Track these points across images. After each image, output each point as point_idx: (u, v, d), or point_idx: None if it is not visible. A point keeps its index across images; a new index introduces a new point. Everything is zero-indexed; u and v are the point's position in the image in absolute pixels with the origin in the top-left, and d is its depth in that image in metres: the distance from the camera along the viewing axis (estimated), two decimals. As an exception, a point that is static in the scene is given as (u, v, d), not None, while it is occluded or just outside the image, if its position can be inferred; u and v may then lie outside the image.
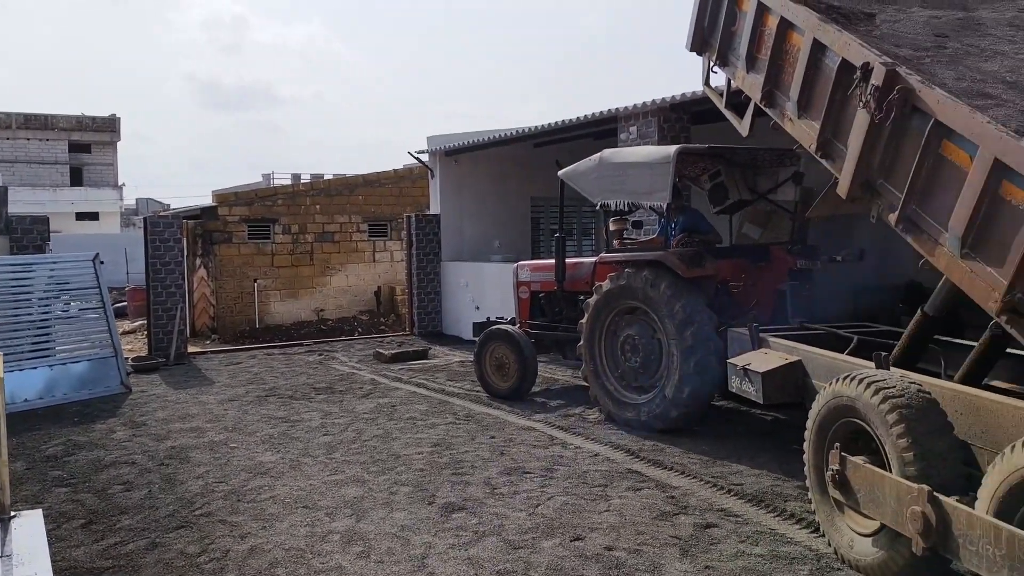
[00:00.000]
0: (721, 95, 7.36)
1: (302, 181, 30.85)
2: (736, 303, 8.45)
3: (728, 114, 7.22)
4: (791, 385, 6.19)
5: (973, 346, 5.27)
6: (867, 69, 4.74)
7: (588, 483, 6.69)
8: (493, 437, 8.27)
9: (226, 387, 11.69)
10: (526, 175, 17.17)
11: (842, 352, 6.25)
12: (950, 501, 4.03)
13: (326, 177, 30.53)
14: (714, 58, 6.96)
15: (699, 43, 7.20)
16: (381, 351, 13.95)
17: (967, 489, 4.12)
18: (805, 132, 5.59)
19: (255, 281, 18.85)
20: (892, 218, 4.68)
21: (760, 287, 8.50)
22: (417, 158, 17.24)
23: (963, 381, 5.12)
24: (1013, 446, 3.73)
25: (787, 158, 8.66)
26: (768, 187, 9.09)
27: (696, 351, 7.66)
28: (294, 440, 8.39)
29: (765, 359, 6.40)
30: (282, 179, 40.46)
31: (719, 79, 7.35)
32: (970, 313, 4.99)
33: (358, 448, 7.98)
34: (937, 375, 5.53)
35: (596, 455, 7.52)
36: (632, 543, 5.40)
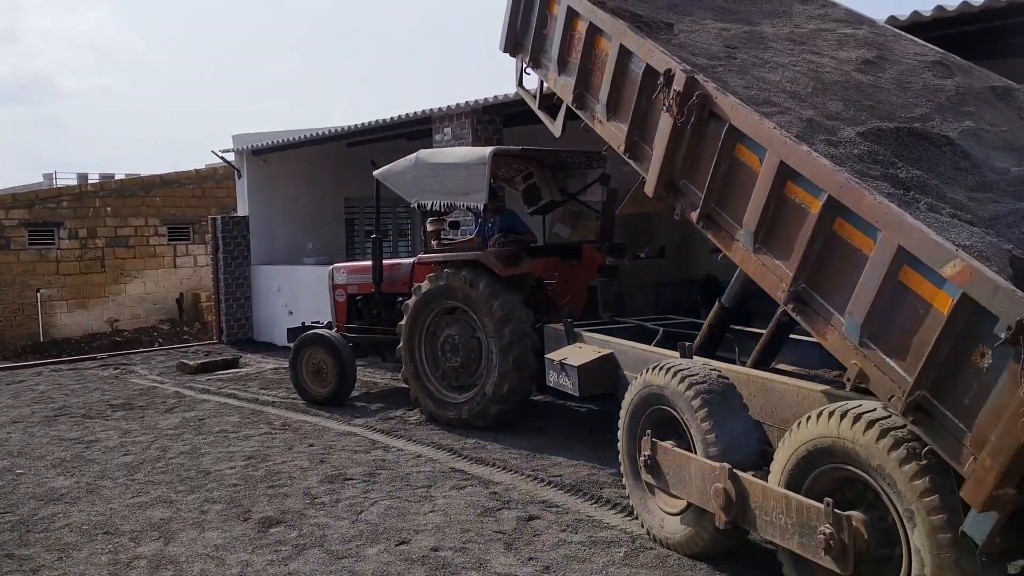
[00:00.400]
0: (535, 97, 7.54)
1: (90, 181, 28.47)
2: (551, 300, 8.72)
3: (542, 115, 7.41)
4: (604, 377, 6.46)
5: (761, 333, 5.73)
6: (669, 75, 5.01)
7: (412, 485, 6.65)
8: (312, 445, 8.02)
9: (7, 408, 10.58)
10: (339, 175, 16.82)
11: (650, 344, 6.61)
12: (747, 476, 4.36)
13: (118, 177, 28.36)
14: (527, 60, 7.11)
15: (512, 45, 7.33)
16: (186, 362, 13.15)
17: (762, 465, 4.47)
18: (614, 134, 5.83)
19: (38, 291, 17.21)
20: (694, 216, 4.98)
21: (573, 284, 8.82)
22: (222, 157, 16.43)
23: (754, 365, 5.55)
24: (799, 422, 4.09)
25: (595, 160, 9.04)
26: (578, 188, 9.45)
27: (514, 348, 7.82)
28: (90, 462, 7.72)
29: (580, 353, 6.64)
30: (67, 179, 37.11)
31: (533, 81, 7.53)
32: (756, 303, 5.44)
33: (163, 467, 7.47)
34: (732, 361, 5.96)
35: (419, 456, 7.49)
36: (458, 541, 5.42)
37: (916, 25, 7.58)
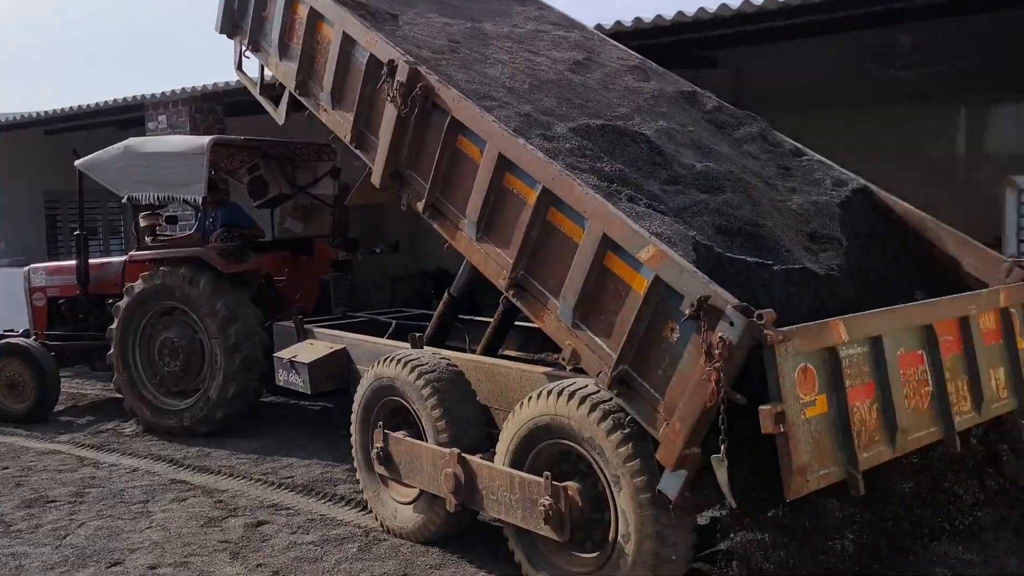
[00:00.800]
0: (255, 82, 7.19)
1: None
2: (281, 297, 8.42)
3: (263, 102, 7.08)
4: (337, 373, 6.34)
5: (489, 321, 5.94)
6: (393, 66, 5.00)
7: (126, 502, 6.10)
8: (6, 468, 7.09)
9: None
10: (36, 166, 15.00)
11: (382, 337, 6.60)
12: (475, 459, 4.49)
13: None
14: (246, 43, 6.77)
15: (229, 25, 6.92)
16: None
17: (489, 447, 4.63)
18: (340, 123, 5.71)
19: None
20: (419, 206, 5.01)
21: (304, 280, 8.58)
22: None
23: (483, 352, 5.74)
24: (520, 403, 4.28)
25: (324, 153, 8.86)
26: (307, 181, 9.21)
27: (241, 348, 7.45)
28: None
29: (311, 350, 6.46)
30: None
31: (255, 65, 7.17)
32: (485, 293, 5.63)
33: None
34: (463, 350, 6.11)
35: (135, 470, 6.89)
36: (179, 556, 5.05)
37: (618, 33, 8.26)
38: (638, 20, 8.82)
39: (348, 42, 5.51)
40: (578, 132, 4.70)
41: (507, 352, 6.26)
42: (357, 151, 5.60)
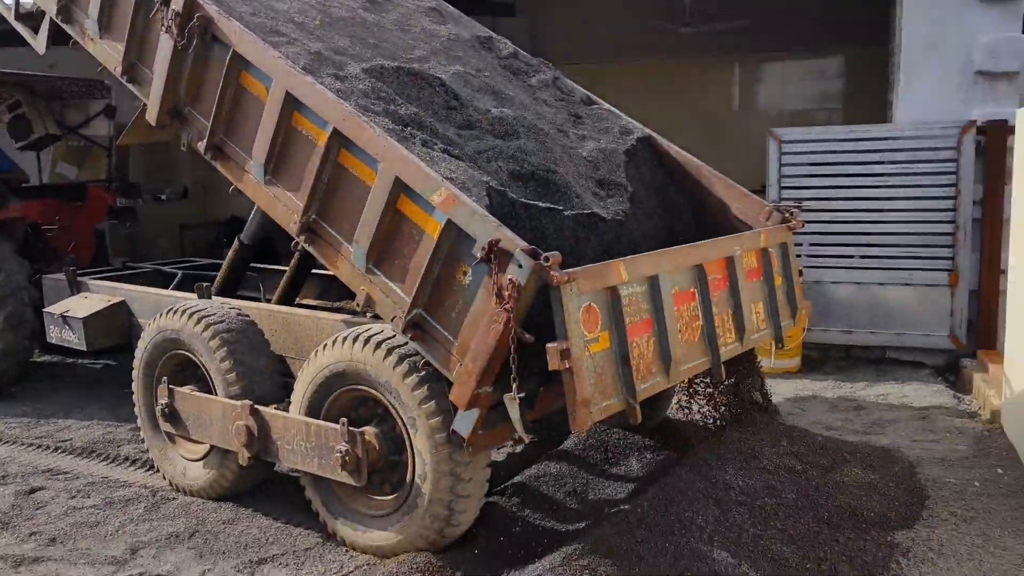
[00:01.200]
0: (10, 7, 6.38)
1: None
2: (53, 248, 7.66)
3: (21, 29, 6.32)
4: (116, 327, 5.90)
5: (286, 270, 5.74)
6: None
7: None
8: None
9: None
10: None
11: (167, 288, 6.20)
12: (269, 410, 4.36)
13: None
14: None
15: None
16: None
17: (284, 397, 4.50)
18: (109, 54, 5.22)
19: None
20: (201, 146, 4.71)
21: (78, 229, 7.85)
22: None
23: (279, 302, 5.54)
24: (316, 351, 4.18)
25: (97, 90, 8.08)
26: (78, 121, 8.38)
27: (6, 304, 6.74)
28: None
29: (86, 304, 5.96)
30: None
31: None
32: (283, 241, 5.41)
33: None
34: (258, 299, 5.88)
35: None
36: (-67, 532, 4.57)
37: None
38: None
39: None
40: (372, 73, 4.56)
41: (305, 301, 6.09)
42: (130, 85, 5.15)
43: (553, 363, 3.24)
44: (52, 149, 8.86)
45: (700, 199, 5.26)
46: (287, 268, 5.75)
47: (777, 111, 11.50)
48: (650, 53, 11.50)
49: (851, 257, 7.25)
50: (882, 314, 7.17)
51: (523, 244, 3.30)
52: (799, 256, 7.26)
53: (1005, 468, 4.83)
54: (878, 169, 7.04)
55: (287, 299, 5.67)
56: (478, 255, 3.36)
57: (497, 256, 3.31)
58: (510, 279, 3.26)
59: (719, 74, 11.65)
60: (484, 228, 3.43)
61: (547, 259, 3.22)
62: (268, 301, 5.70)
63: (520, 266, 3.26)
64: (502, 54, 5.90)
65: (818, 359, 7.36)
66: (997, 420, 5.57)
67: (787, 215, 4.97)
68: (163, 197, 11.78)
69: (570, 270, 3.30)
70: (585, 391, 3.30)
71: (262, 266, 6.43)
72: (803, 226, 5.05)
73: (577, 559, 3.50)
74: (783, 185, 7.30)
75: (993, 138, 6.61)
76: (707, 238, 4.48)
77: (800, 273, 5.15)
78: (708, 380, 4.95)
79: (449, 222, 3.56)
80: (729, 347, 4.32)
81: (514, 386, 3.31)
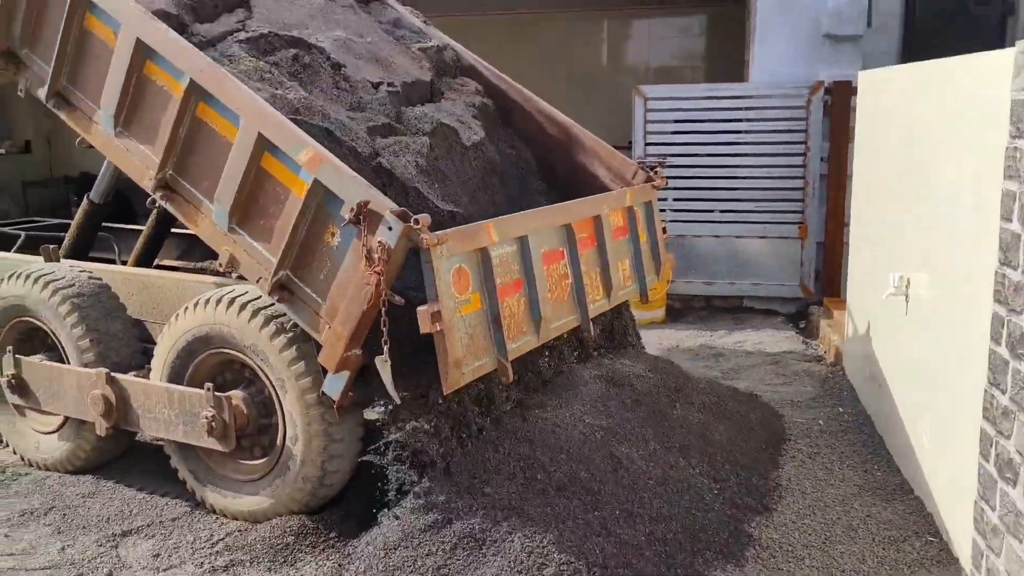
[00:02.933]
0: None
1: None
2: None
3: None
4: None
5: (143, 229, 5.44)
6: None
7: None
8: None
9: None
10: None
11: (8, 252, 5.76)
12: (127, 377, 4.16)
13: None
14: None
15: None
16: None
17: (144, 364, 4.30)
18: None
19: None
20: (42, 93, 4.37)
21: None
22: None
23: (136, 263, 5.26)
24: (177, 315, 4.02)
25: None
26: None
27: None
28: None
29: (-88, 268, 5.46)
30: None
31: None
32: (141, 199, 5.11)
33: None
34: (112, 261, 5.56)
35: None
36: None
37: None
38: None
39: None
40: (253, 46, 4.35)
41: (165, 262, 5.80)
42: None
43: (424, 326, 3.23)
44: None
45: (570, 157, 5.34)
46: (144, 228, 5.46)
47: (644, 68, 11.75)
48: (517, 4, 11.48)
49: (711, 212, 7.57)
50: (740, 266, 7.56)
51: (393, 206, 3.26)
52: (663, 211, 7.56)
53: (845, 407, 5.23)
54: (735, 127, 7.36)
55: (145, 261, 5.39)
56: (347, 216, 3.29)
57: (366, 218, 3.25)
58: (379, 241, 3.21)
59: (586, 29, 11.76)
60: (353, 189, 3.36)
61: (417, 221, 3.19)
62: (124, 263, 5.41)
63: (390, 228, 3.22)
64: (383, 19, 5.72)
65: (681, 310, 7.69)
66: (840, 363, 6.01)
67: (651, 174, 5.12)
68: (1, 151, 10.89)
69: (440, 232, 3.30)
70: (457, 352, 3.32)
71: (117, 226, 6.07)
72: (666, 184, 5.22)
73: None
74: (648, 142, 7.50)
75: (838, 98, 7.01)
76: (576, 196, 4.57)
77: (664, 230, 5.32)
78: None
79: (316, 182, 3.46)
80: (597, 304, 4.44)
81: (385, 348, 3.29)
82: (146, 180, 4.03)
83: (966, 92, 3.42)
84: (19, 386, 4.55)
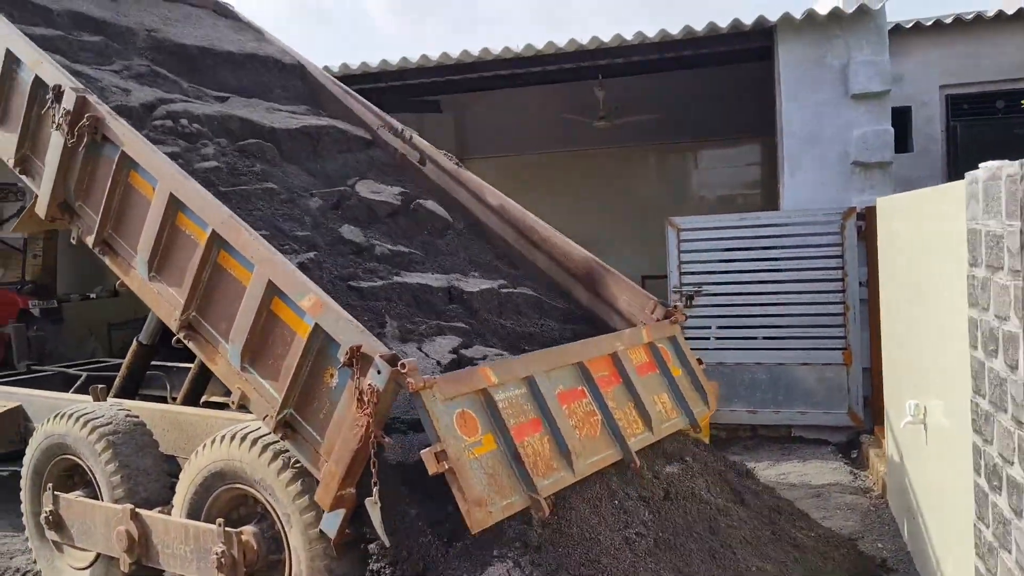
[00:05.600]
0: None
1: None
2: (-41, 353, 7.58)
3: None
4: (13, 432, 5.80)
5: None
6: (59, 92, 4.69)
7: None
8: None
9: None
10: None
11: (69, 391, 6.13)
12: (150, 513, 4.30)
13: None
14: None
15: None
16: None
17: (170, 499, 4.44)
18: (2, 145, 5.25)
19: None
20: (90, 240, 4.74)
21: (-15, 332, 7.77)
22: None
23: (184, 400, 5.52)
24: (197, 451, 4.19)
25: (9, 193, 8.14)
26: (-9, 224, 8.41)
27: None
28: None
29: (-20, 409, 5.87)
30: None
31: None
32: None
33: None
34: (164, 399, 5.84)
35: None
36: None
37: (346, 76, 8.47)
38: (364, 65, 9.12)
39: (12, 60, 5.10)
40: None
41: (212, 398, 6.06)
42: (23, 177, 5.17)
43: (431, 467, 3.24)
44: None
45: (590, 291, 5.45)
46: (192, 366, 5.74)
47: (686, 198, 11.98)
48: (566, 145, 11.99)
49: (755, 339, 7.50)
50: (785, 393, 7.39)
51: (383, 350, 3.38)
52: (707, 339, 7.53)
53: (885, 543, 4.95)
54: (770, 253, 7.38)
55: (192, 397, 5.64)
56: (342, 359, 3.43)
57: (359, 361, 3.39)
58: (369, 384, 3.33)
59: (632, 164, 12.15)
60: (348, 333, 3.52)
61: (403, 366, 3.29)
62: (174, 399, 5.67)
63: (379, 371, 3.33)
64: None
65: (727, 439, 7.50)
66: (886, 495, 5.73)
67: (670, 309, 5.14)
68: (92, 296, 11.68)
69: (428, 376, 3.38)
70: (474, 491, 3.29)
71: (170, 364, 6.41)
72: (686, 320, 5.22)
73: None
74: (683, 271, 7.58)
75: (871, 223, 7.00)
76: (597, 330, 4.61)
77: (700, 362, 5.24)
78: None
79: (317, 326, 3.64)
80: (639, 437, 4.33)
81: (375, 490, 3.35)
82: (172, 321, 4.29)
83: (935, 222, 3.43)
84: (56, 522, 4.75)
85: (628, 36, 8.05)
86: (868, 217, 6.98)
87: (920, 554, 4.44)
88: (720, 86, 10.47)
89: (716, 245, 7.55)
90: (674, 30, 7.87)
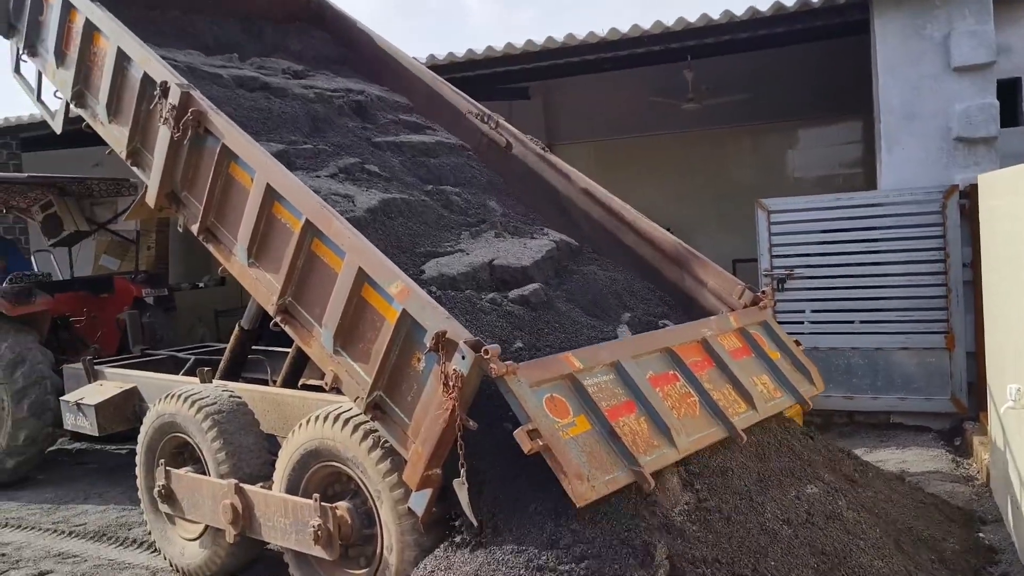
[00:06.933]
0: (33, 88, 6.84)
1: None
2: (79, 338, 8.10)
3: (41, 108, 6.78)
4: (128, 413, 6.19)
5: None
6: (165, 88, 4.96)
7: None
8: None
9: None
10: None
11: (178, 374, 6.50)
12: (253, 488, 4.55)
13: None
14: (22, 46, 6.44)
15: (5, 26, 6.56)
16: None
17: (271, 476, 4.68)
18: (117, 138, 5.58)
19: None
20: (195, 228, 5.00)
21: (104, 320, 8.28)
22: None
23: (283, 383, 5.77)
24: (295, 429, 4.39)
25: (124, 187, 8.63)
26: (107, 217, 8.93)
27: (29, 393, 7.12)
28: None
29: (100, 391, 6.28)
30: None
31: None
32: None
33: None
34: (265, 382, 6.12)
35: (-88, 528, 6.45)
36: (-57, 615, 4.81)
37: (433, 67, 8.56)
38: (451, 55, 9.24)
39: (123, 57, 5.42)
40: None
41: (309, 381, 6.30)
42: (134, 168, 5.49)
43: (526, 446, 3.30)
44: (95, 244, 9.44)
45: (678, 276, 5.41)
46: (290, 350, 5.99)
47: (782, 180, 11.66)
48: (656, 128, 11.85)
49: (852, 323, 7.28)
50: (883, 378, 7.16)
51: (467, 336, 3.48)
52: (801, 323, 7.37)
53: (987, 532, 4.76)
54: (867, 235, 7.13)
55: (291, 380, 5.88)
56: (428, 344, 3.55)
57: (444, 347, 3.50)
58: (454, 369, 3.43)
59: (723, 146, 11.91)
60: (433, 319, 3.63)
61: (487, 352, 3.38)
62: (274, 382, 5.93)
63: (463, 357, 3.43)
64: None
65: (821, 426, 7.32)
66: (990, 483, 5.50)
67: (758, 295, 5.07)
68: (201, 285, 12.26)
69: (510, 363, 3.46)
70: (573, 465, 3.32)
71: (271, 349, 6.70)
72: (774, 305, 5.13)
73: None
74: (774, 254, 7.41)
75: (974, 201, 6.68)
76: (686, 318, 4.58)
77: (797, 343, 5.18)
78: None
79: (404, 312, 3.77)
80: (744, 415, 4.32)
81: (462, 472, 3.45)
82: (270, 305, 4.51)
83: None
84: (168, 496, 5.07)
85: (715, 16, 7.88)
86: (971, 195, 6.66)
87: (1021, 541, 4.26)
88: (814, 63, 10.14)
89: (809, 227, 7.34)
90: (763, 7, 7.66)
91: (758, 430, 4.45)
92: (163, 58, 5.27)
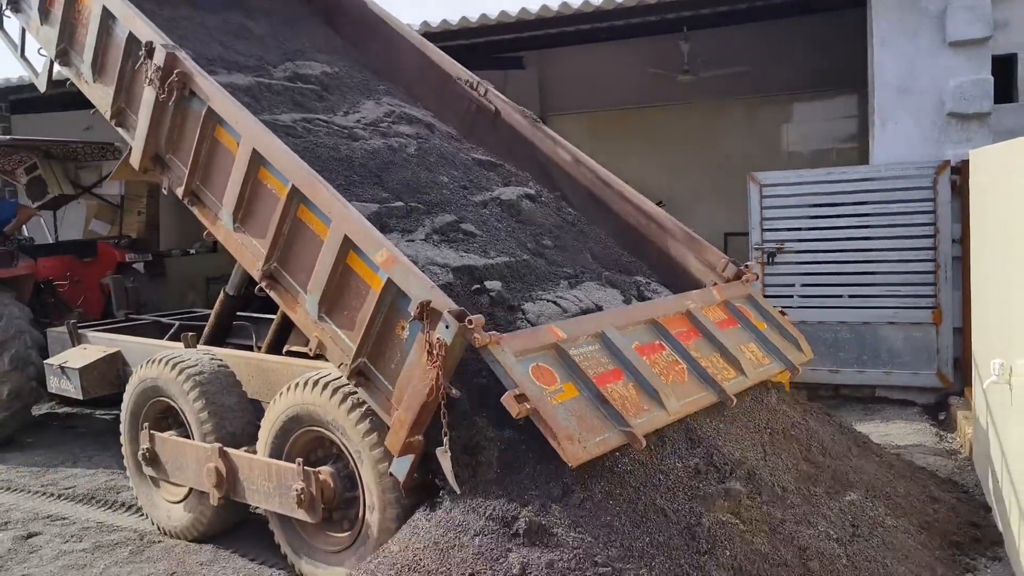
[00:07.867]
0: (17, 45, 6.73)
1: None
2: (63, 302, 8.07)
3: (24, 65, 6.66)
4: (112, 377, 6.18)
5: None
6: (150, 48, 4.89)
7: None
8: None
9: None
10: None
11: (163, 338, 6.48)
12: (237, 452, 4.56)
13: None
14: (5, 1, 6.31)
15: None
16: None
17: (255, 440, 4.69)
18: (101, 97, 5.50)
19: None
20: (180, 191, 4.96)
21: (88, 284, 8.24)
22: None
23: (269, 349, 5.75)
24: (278, 395, 4.39)
25: (109, 151, 8.54)
26: (92, 181, 8.86)
27: (10, 346, 7.08)
28: None
29: (84, 355, 6.27)
30: None
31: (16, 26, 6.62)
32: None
33: None
34: (250, 348, 6.11)
35: (-101, 489, 6.45)
36: (-72, 575, 4.82)
37: (427, 34, 8.43)
38: (445, 22, 9.11)
39: (108, 16, 5.31)
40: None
41: (294, 348, 6.29)
42: (119, 129, 5.41)
43: (514, 410, 3.32)
44: (85, 208, 9.37)
45: (663, 249, 5.40)
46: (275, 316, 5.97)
47: (777, 153, 11.61)
48: (649, 100, 11.76)
49: (840, 296, 7.29)
50: (869, 352, 7.18)
51: (451, 306, 3.49)
52: (790, 296, 7.37)
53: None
54: (858, 209, 7.12)
55: (276, 346, 5.87)
56: (412, 313, 3.55)
57: (428, 316, 3.50)
58: (438, 337, 3.44)
59: (718, 119, 11.83)
60: (418, 288, 3.63)
61: (471, 321, 3.39)
62: (259, 348, 5.92)
63: (447, 326, 3.44)
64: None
65: (807, 399, 7.33)
66: (972, 457, 5.54)
67: (742, 268, 5.08)
68: (192, 251, 12.22)
69: (493, 332, 3.49)
70: (563, 428, 3.34)
71: (256, 315, 6.68)
72: (757, 279, 5.17)
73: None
74: (765, 227, 7.40)
75: (965, 177, 6.67)
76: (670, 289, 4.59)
77: (783, 313, 5.21)
78: None
79: (389, 280, 3.76)
80: (734, 381, 4.34)
81: (445, 440, 3.46)
82: (255, 270, 4.49)
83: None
84: (152, 459, 5.07)
85: (711, -14, 7.81)
86: (962, 171, 6.64)
87: (1002, 516, 4.30)
88: (811, 37, 10.06)
89: (800, 201, 7.32)
90: (760, -22, 7.59)
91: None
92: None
